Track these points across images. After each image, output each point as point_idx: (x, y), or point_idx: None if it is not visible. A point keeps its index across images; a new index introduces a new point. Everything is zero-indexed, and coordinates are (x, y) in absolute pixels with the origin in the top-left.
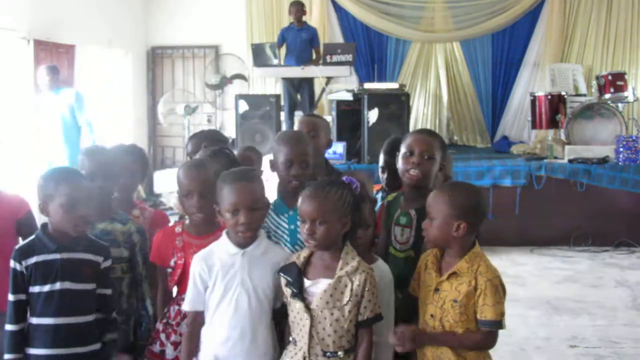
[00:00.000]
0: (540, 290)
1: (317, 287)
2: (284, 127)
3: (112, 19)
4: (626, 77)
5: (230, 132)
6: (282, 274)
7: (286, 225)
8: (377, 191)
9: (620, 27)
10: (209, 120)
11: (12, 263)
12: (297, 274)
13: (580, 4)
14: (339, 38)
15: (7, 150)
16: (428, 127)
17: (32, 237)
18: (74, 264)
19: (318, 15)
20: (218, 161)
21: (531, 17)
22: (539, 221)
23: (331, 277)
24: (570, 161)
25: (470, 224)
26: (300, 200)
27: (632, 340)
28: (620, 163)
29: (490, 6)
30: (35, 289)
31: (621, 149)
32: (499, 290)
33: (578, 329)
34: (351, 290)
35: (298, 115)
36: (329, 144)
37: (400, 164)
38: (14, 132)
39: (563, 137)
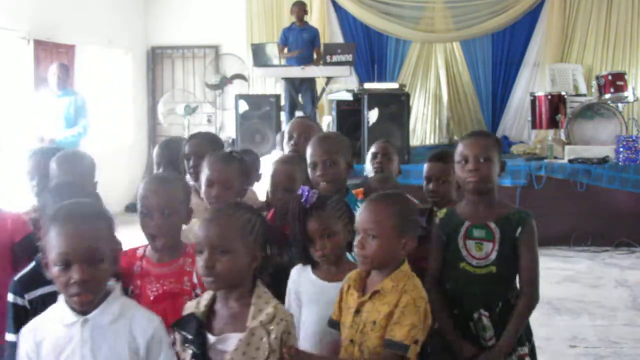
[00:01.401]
0: (540, 290)
1: (226, 344)
2: (284, 128)
3: (112, 19)
4: (626, 77)
5: (230, 132)
6: (177, 329)
7: None
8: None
9: (620, 27)
10: (209, 120)
11: (10, 297)
12: (197, 329)
13: (580, 4)
14: (339, 38)
15: (7, 150)
16: (428, 127)
17: (32, 265)
18: None
19: (318, 15)
20: (231, 167)
21: (531, 17)
22: (539, 221)
23: (242, 330)
24: (570, 161)
25: (414, 238)
26: (198, 226)
27: (632, 340)
28: (620, 163)
29: (490, 6)
30: None
31: (621, 149)
32: (420, 313)
33: (578, 329)
34: (268, 344)
35: (299, 115)
36: None
37: (457, 173)
38: (14, 133)
39: (563, 137)
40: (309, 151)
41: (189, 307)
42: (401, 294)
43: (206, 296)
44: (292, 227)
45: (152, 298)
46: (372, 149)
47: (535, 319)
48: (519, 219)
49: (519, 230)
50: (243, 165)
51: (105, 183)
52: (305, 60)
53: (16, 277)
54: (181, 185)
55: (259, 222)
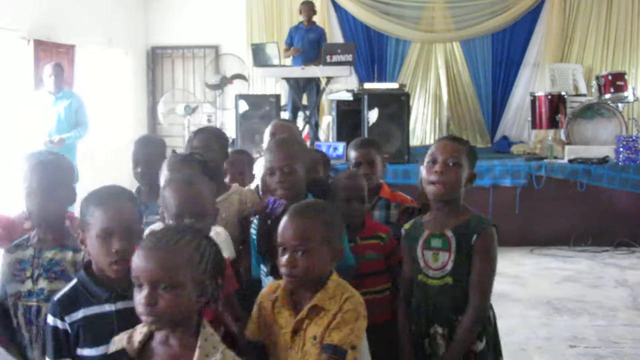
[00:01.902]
0: (540, 290)
1: None
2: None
3: (112, 19)
4: (626, 77)
5: (230, 132)
6: None
7: None
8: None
9: (620, 27)
10: (209, 120)
11: (50, 319)
12: None
13: (580, 4)
14: (339, 38)
15: (7, 151)
16: (428, 127)
17: (74, 282)
18: (134, 316)
19: (318, 15)
20: (189, 168)
21: (531, 17)
22: (539, 221)
23: None
24: (570, 161)
25: (342, 245)
26: (136, 254)
27: (632, 340)
28: (620, 163)
29: (490, 6)
30: (84, 352)
31: (621, 149)
32: (360, 320)
33: (578, 329)
34: None
35: (300, 116)
36: None
37: (423, 175)
38: (14, 133)
39: (563, 137)
40: (267, 156)
41: (119, 341)
42: (343, 302)
43: (140, 330)
44: (258, 240)
45: None
46: (353, 154)
47: (536, 319)
48: (476, 226)
49: (474, 237)
50: (204, 167)
51: (106, 183)
52: (311, 60)
53: (56, 297)
54: (204, 183)
55: (209, 247)
